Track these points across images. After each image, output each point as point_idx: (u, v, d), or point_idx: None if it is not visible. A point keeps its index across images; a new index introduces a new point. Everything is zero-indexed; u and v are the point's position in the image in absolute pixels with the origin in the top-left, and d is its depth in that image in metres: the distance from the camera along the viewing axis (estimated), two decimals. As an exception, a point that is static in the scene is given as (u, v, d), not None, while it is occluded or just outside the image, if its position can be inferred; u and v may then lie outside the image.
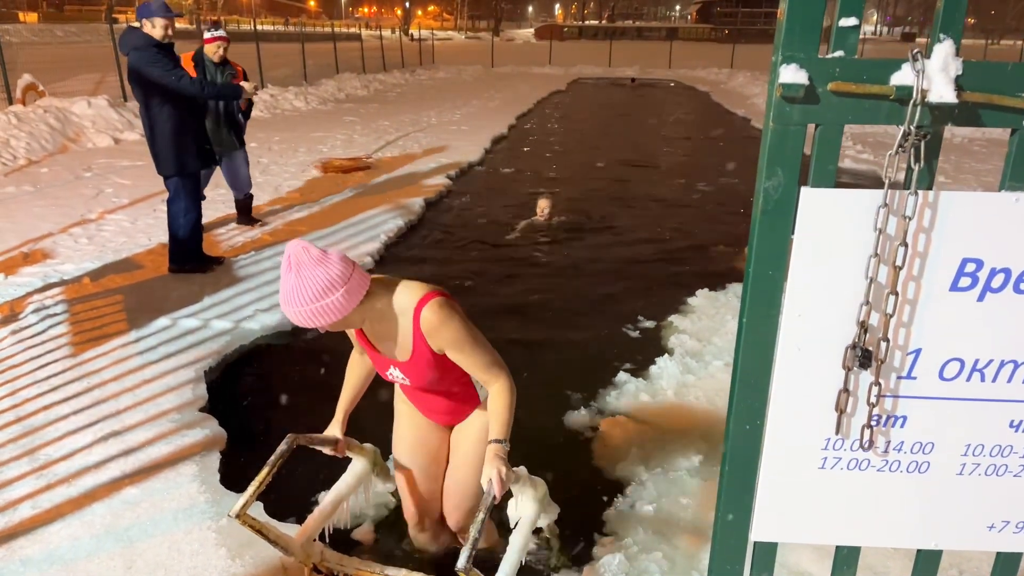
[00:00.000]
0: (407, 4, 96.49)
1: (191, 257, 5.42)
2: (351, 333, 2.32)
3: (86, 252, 5.92)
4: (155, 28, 4.89)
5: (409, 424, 2.57)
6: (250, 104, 6.52)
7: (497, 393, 2.13)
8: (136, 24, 4.99)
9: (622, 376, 4.10)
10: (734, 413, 1.69)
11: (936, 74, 1.40)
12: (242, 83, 5.71)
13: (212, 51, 6.16)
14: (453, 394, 2.36)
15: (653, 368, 4.16)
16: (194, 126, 5.16)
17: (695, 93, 25.01)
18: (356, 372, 2.55)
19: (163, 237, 6.28)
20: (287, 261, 1.92)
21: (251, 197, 6.84)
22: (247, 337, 4.47)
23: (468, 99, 19.87)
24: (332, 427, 2.52)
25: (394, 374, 2.27)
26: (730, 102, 20.48)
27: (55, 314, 4.69)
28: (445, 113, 16.48)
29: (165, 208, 7.06)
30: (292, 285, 1.91)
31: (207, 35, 6.17)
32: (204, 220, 5.89)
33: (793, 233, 1.54)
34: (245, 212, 6.83)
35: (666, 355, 4.28)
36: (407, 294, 2.08)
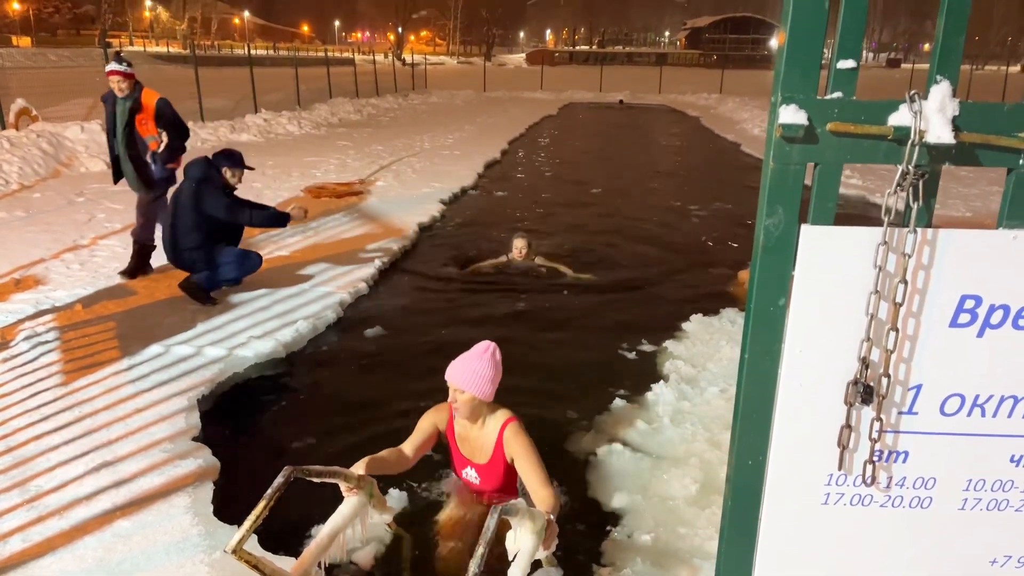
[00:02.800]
0: (400, 29, 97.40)
1: (214, 288, 5.53)
2: (441, 423, 3.00)
3: (78, 278, 5.89)
4: (233, 177, 5.47)
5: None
6: (173, 150, 5.91)
7: (548, 496, 2.65)
8: (208, 157, 5.45)
9: (617, 402, 4.08)
10: (736, 447, 1.69)
11: (933, 115, 1.42)
12: (290, 210, 5.68)
13: (113, 85, 5.72)
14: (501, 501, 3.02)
15: (648, 394, 4.15)
16: (227, 235, 5.58)
17: (685, 118, 25.27)
18: (398, 455, 2.93)
19: (155, 263, 6.25)
20: (489, 348, 2.84)
21: (150, 248, 6.10)
22: (241, 365, 4.44)
23: (461, 123, 20.01)
24: (357, 466, 2.74)
25: (469, 473, 2.98)
26: (720, 127, 20.70)
27: (46, 341, 4.65)
28: (438, 137, 16.57)
29: (159, 235, 7.07)
30: (483, 358, 2.81)
31: (107, 69, 5.74)
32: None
33: (794, 269, 1.56)
34: (138, 257, 6.04)
35: (661, 381, 4.28)
36: (500, 413, 2.90)
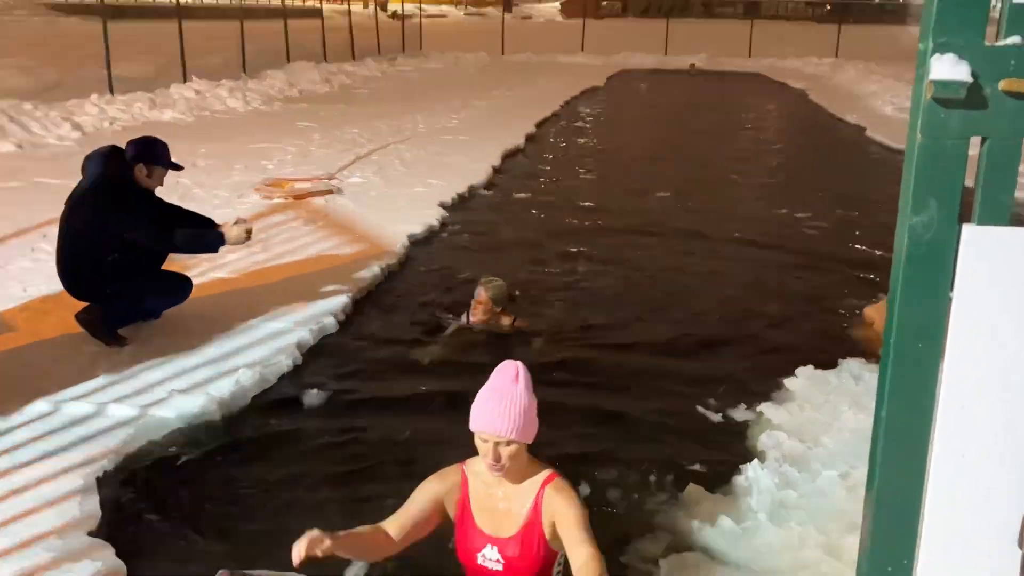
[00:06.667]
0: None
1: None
2: (449, 494, 3.03)
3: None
4: (151, 178, 5.55)
5: None
6: None
7: (591, 557, 2.73)
8: (115, 149, 5.49)
9: (692, 491, 4.05)
10: (870, 551, 1.66)
11: None
12: (226, 227, 5.63)
13: None
14: None
15: (737, 480, 4.11)
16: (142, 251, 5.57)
17: (786, 91, 25.41)
18: (377, 537, 2.97)
19: (43, 287, 6.33)
20: (518, 372, 2.89)
21: None
22: (158, 429, 4.46)
23: (469, 99, 20.23)
24: (313, 540, 2.78)
25: (488, 556, 2.98)
26: (837, 104, 20.78)
27: None
28: (438, 117, 16.76)
29: (47, 248, 7.18)
30: (517, 391, 2.85)
31: None
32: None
33: (952, 289, 1.54)
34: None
35: (755, 461, 4.23)
36: (538, 465, 3.00)
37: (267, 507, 4.01)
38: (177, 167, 5.73)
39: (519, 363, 2.93)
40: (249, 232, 5.71)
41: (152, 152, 5.53)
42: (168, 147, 5.65)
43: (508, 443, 2.81)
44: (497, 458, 2.82)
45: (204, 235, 5.65)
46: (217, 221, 5.94)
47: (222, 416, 4.73)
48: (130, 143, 5.58)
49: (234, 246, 5.78)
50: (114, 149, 5.55)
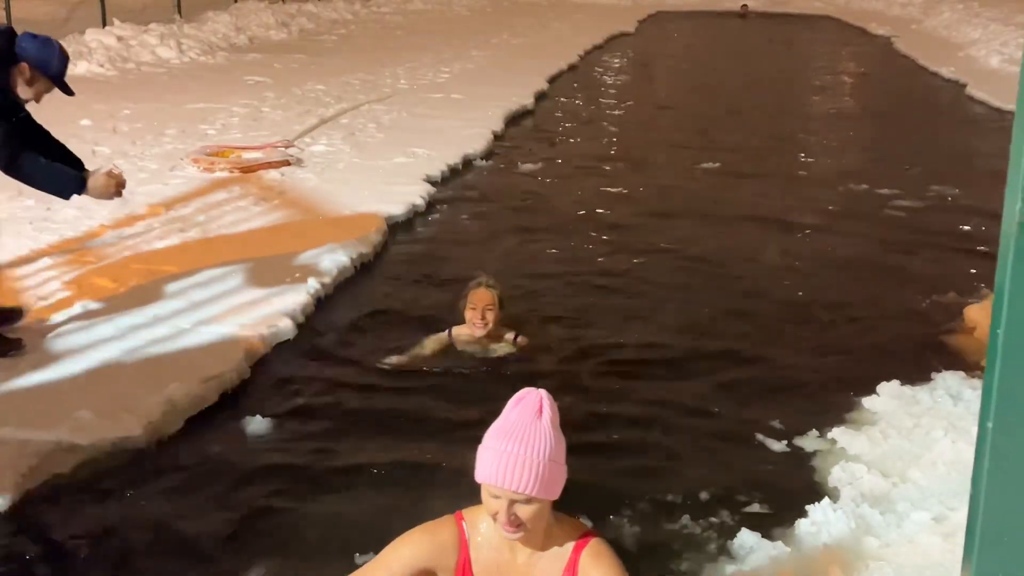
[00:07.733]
0: None
1: None
2: (442, 559, 2.88)
3: None
4: (29, 86, 5.25)
5: None
6: None
7: None
8: None
9: (746, 537, 4.03)
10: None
11: None
12: (90, 174, 5.42)
13: None
14: None
15: (803, 524, 4.10)
16: None
17: (866, 39, 25.56)
18: None
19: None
20: (538, 404, 2.78)
21: None
22: (66, 459, 4.43)
23: (464, 47, 20.34)
24: None
25: None
26: (929, 55, 20.82)
27: None
28: (424, 71, 16.83)
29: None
30: (540, 428, 2.73)
31: None
32: None
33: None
34: None
35: (826, 501, 4.24)
36: (569, 524, 2.94)
37: (204, 562, 3.98)
38: (67, 89, 5.45)
39: (543, 392, 2.80)
40: (120, 186, 5.53)
41: (44, 56, 5.26)
42: (68, 62, 5.40)
43: (528, 501, 2.67)
44: (514, 521, 2.68)
45: (60, 171, 5.37)
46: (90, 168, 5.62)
47: (148, 443, 4.69)
48: (24, 35, 5.31)
49: (98, 196, 5.52)
50: (5, 31, 5.31)
